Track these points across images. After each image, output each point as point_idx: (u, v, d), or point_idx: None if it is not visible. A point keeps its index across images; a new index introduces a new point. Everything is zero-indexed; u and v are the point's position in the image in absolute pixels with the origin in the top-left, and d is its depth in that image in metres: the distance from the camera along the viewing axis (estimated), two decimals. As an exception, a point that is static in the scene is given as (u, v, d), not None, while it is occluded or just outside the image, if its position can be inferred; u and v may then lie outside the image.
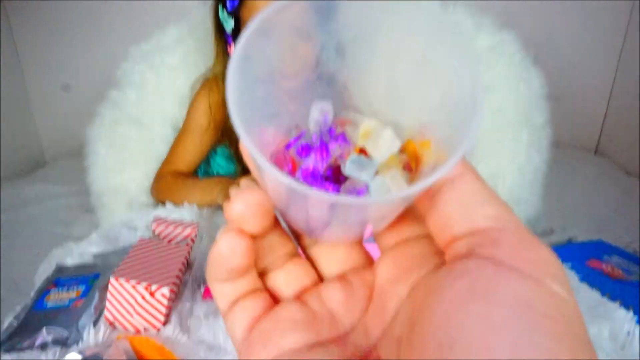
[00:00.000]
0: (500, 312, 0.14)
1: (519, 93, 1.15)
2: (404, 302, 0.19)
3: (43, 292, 0.74)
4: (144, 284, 0.67)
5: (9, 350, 0.65)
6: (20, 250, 1.45)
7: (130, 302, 0.67)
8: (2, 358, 0.63)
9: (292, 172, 0.20)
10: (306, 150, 0.21)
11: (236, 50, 0.17)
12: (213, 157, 1.21)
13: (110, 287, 0.68)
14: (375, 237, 0.22)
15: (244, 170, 1.15)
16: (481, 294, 0.15)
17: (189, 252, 0.79)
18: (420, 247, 0.20)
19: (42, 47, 1.96)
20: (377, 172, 0.20)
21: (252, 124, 0.18)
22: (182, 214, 1.02)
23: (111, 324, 0.68)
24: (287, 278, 0.21)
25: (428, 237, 0.19)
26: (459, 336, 0.14)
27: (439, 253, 0.19)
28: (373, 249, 0.23)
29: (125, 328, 0.68)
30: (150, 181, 1.18)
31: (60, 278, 0.78)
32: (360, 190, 0.19)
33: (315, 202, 0.17)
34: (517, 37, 1.20)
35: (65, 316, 0.69)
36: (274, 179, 0.16)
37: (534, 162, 1.16)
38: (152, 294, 0.67)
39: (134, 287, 0.67)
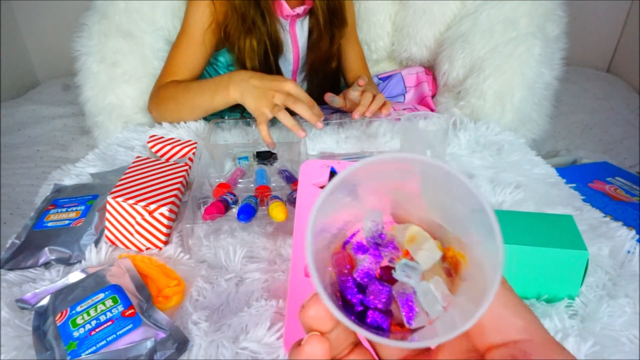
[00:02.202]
0: None
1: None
2: None
3: (42, 213, 0.74)
4: (142, 203, 0.66)
5: (12, 268, 0.65)
6: (20, 173, 1.45)
7: (129, 222, 0.66)
8: (6, 277, 0.63)
9: (350, 270, 0.25)
10: (361, 248, 0.25)
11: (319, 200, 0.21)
12: (219, 63, 1.13)
13: (108, 206, 0.67)
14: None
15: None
16: None
17: (187, 172, 0.78)
18: (465, 342, 0.23)
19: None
20: (422, 276, 0.24)
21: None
22: (180, 134, 0.99)
23: (113, 243, 0.68)
24: None
25: (466, 334, 0.23)
26: None
27: (477, 350, 0.23)
28: None
29: (127, 247, 0.68)
30: (146, 98, 1.13)
31: (59, 199, 0.77)
32: (409, 297, 0.23)
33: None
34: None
35: (67, 235, 0.68)
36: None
37: (544, 78, 1.10)
38: (150, 214, 0.66)
39: (132, 206, 0.66)
